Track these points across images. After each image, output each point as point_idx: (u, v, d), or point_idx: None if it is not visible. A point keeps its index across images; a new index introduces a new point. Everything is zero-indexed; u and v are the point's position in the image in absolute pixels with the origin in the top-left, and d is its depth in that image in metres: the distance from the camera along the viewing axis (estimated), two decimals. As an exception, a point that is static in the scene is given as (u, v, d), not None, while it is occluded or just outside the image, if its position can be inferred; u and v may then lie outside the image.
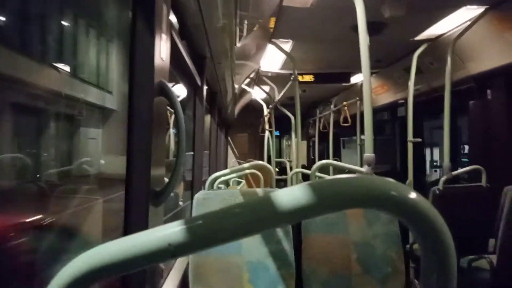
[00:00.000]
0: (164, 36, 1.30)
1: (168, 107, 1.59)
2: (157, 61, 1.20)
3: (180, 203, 3.61)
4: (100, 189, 1.59)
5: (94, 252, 0.37)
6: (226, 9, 2.09)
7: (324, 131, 8.74)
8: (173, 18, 1.93)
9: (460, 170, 3.61)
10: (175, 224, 0.36)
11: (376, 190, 0.34)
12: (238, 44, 2.91)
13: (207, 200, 2.22)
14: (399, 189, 0.35)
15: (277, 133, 10.03)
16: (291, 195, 0.35)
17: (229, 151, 10.95)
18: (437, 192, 3.10)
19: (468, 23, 3.39)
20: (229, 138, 10.86)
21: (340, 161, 9.18)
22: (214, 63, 3.03)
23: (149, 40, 1.16)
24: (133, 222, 1.21)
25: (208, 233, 0.35)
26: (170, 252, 0.35)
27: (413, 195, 0.35)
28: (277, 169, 8.98)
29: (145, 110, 1.15)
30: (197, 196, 2.25)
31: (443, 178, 3.19)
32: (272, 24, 3.45)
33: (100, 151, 1.69)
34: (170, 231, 0.35)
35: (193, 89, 3.03)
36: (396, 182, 0.36)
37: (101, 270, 0.36)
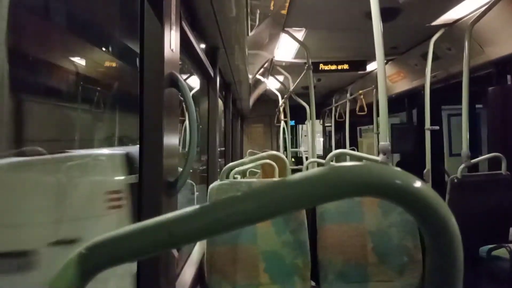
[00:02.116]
0: (174, 27, 1.30)
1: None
2: (167, 52, 1.20)
3: (197, 193, 3.63)
4: None
5: (98, 242, 0.37)
6: (238, -2, 2.08)
7: (340, 120, 8.66)
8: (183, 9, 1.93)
9: (479, 158, 3.54)
10: (176, 213, 0.36)
11: (380, 178, 0.34)
12: (251, 34, 2.89)
13: (222, 191, 2.23)
14: (403, 178, 0.34)
15: (292, 123, 9.98)
16: (292, 183, 0.34)
17: (245, 142, 10.97)
18: (455, 180, 3.05)
19: (486, 6, 3.29)
20: (244, 129, 10.87)
21: (357, 150, 9.10)
22: (227, 53, 3.02)
23: (158, 31, 1.16)
24: (147, 213, 1.23)
25: (207, 222, 0.35)
26: (170, 240, 0.35)
27: (417, 184, 0.34)
28: (293, 160, 8.96)
29: (155, 102, 1.16)
30: (212, 186, 2.26)
31: (461, 167, 3.12)
32: (284, 12, 3.41)
33: None
34: (170, 220, 0.35)
35: (207, 81, 3.04)
36: (402, 171, 0.35)
37: (104, 259, 0.37)
